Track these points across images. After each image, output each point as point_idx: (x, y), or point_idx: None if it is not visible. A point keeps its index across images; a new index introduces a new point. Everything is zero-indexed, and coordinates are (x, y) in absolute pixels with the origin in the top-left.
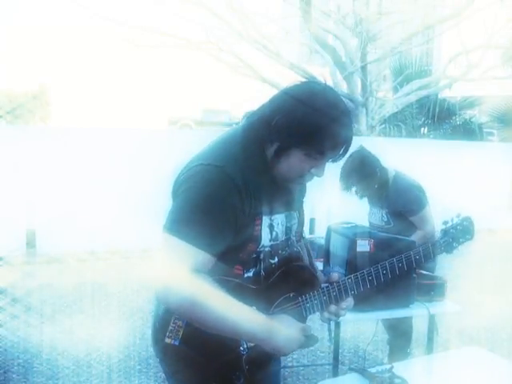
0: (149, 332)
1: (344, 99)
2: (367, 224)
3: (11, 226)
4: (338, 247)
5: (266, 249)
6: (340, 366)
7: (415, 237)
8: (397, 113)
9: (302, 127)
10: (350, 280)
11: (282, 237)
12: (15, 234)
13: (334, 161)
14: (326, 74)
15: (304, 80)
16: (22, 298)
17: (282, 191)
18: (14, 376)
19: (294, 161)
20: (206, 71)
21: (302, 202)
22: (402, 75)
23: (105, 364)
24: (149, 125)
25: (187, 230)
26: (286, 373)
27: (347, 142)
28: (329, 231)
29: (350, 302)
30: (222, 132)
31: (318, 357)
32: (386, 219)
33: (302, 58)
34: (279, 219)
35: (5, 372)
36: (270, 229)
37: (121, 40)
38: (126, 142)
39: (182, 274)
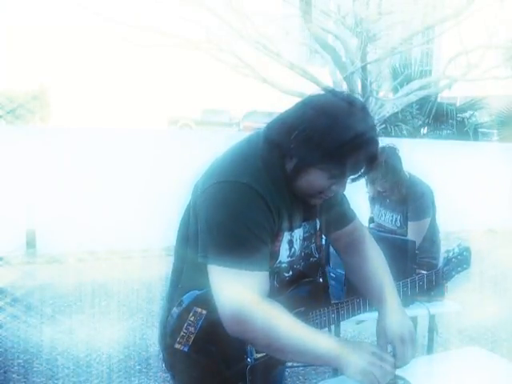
0: (149, 332)
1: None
2: (366, 223)
3: (11, 225)
4: None
5: (283, 265)
6: None
7: None
8: (397, 113)
9: (322, 145)
10: (358, 300)
11: (298, 252)
12: (15, 234)
13: (354, 180)
14: (325, 74)
15: (328, 89)
16: (22, 298)
17: (301, 204)
18: (14, 376)
19: (313, 178)
20: (206, 71)
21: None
22: (402, 75)
23: (105, 364)
24: (149, 125)
25: (238, 256)
26: (286, 373)
27: (372, 160)
28: None
29: None
30: (239, 141)
31: None
32: (399, 224)
33: (302, 57)
34: (297, 234)
35: (5, 372)
36: (290, 245)
37: (120, 40)
38: (126, 142)
39: (252, 304)
